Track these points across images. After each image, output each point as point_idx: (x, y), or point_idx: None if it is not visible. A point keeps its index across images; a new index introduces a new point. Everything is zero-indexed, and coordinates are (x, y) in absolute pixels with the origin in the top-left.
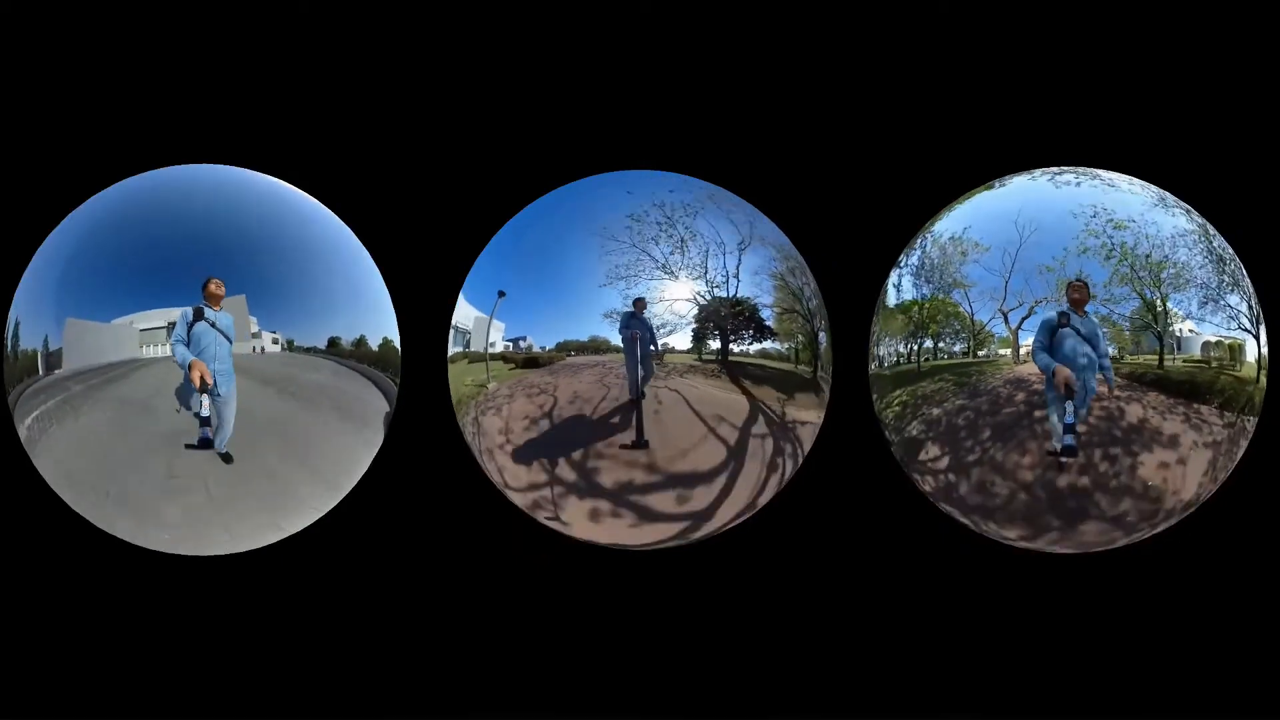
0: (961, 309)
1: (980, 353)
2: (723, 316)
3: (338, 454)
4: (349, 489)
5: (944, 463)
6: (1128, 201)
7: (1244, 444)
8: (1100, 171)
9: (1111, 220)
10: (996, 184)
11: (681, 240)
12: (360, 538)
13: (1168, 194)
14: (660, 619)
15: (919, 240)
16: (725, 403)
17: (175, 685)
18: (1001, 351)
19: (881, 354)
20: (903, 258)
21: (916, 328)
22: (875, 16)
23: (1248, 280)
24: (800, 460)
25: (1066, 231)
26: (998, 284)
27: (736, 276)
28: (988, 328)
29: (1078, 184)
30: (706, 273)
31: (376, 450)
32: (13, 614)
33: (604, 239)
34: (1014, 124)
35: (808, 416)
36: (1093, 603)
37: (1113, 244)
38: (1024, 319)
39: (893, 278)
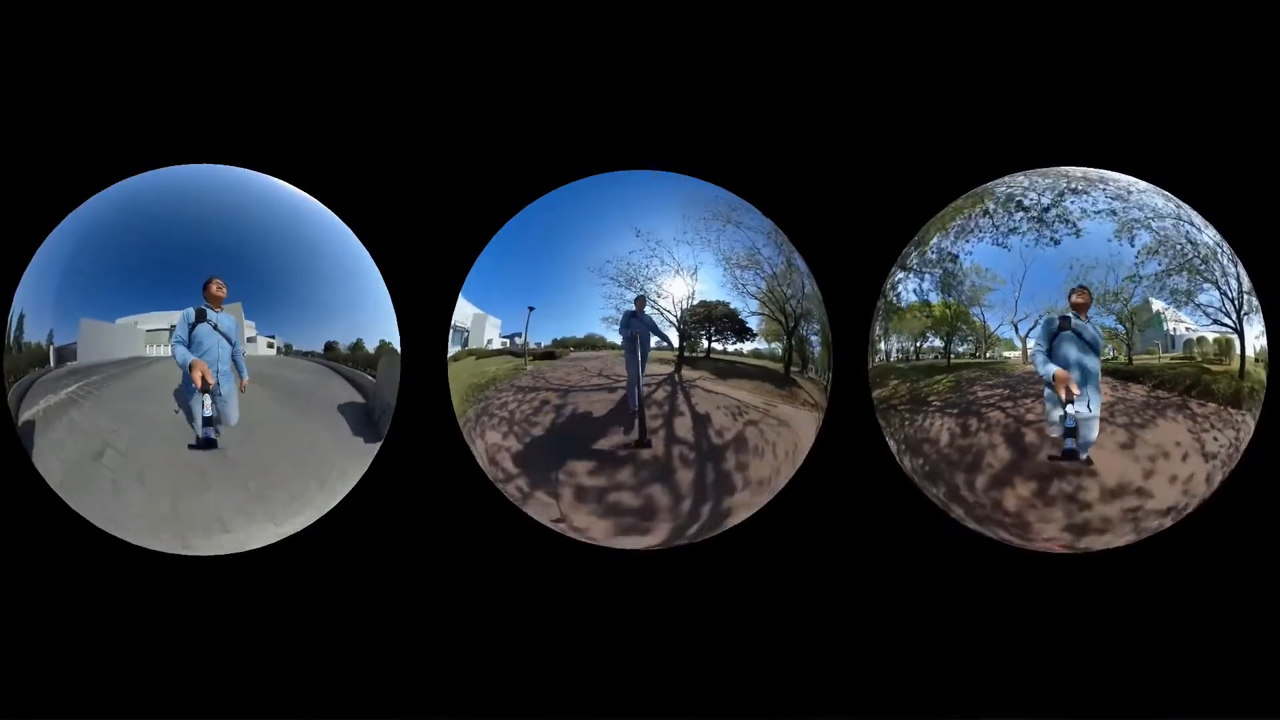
0: (975, 319)
1: (989, 354)
2: (687, 322)
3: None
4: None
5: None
6: (1096, 238)
7: (1183, 423)
8: (1077, 179)
9: (1082, 265)
10: (988, 211)
11: (643, 287)
12: (360, 538)
13: (1134, 190)
14: (660, 619)
15: (929, 255)
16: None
17: (174, 685)
18: (1006, 354)
19: (890, 348)
20: (918, 265)
21: (939, 326)
22: (875, 16)
23: (1231, 279)
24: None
25: (1052, 284)
26: (1008, 297)
27: (693, 298)
28: (996, 332)
29: (1058, 243)
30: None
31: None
32: (13, 614)
33: (595, 274)
34: (1014, 124)
35: (756, 400)
36: (1092, 603)
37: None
38: (1031, 329)
39: (910, 283)
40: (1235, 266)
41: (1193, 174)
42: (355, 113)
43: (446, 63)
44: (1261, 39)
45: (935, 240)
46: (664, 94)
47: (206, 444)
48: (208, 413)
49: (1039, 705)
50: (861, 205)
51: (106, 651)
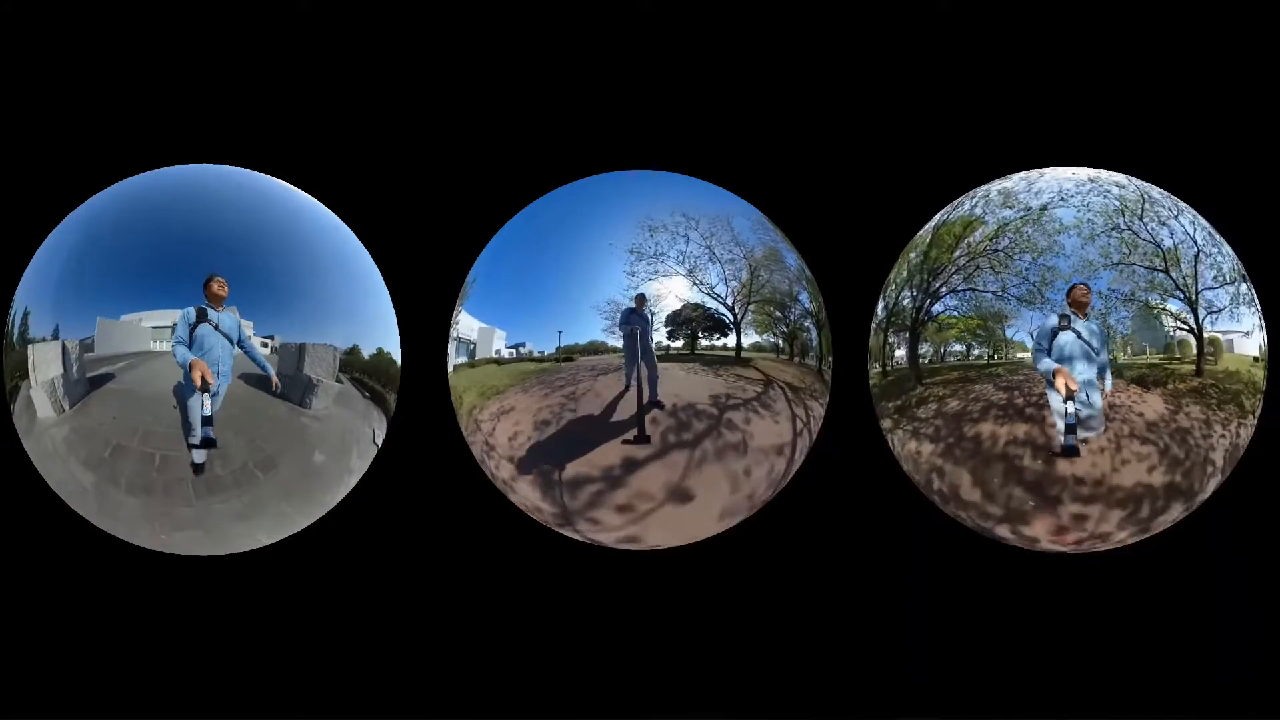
0: (998, 331)
1: (1005, 356)
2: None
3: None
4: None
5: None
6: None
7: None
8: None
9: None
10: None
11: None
12: (360, 538)
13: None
14: (660, 619)
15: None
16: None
17: (174, 685)
18: (1020, 355)
19: (923, 352)
20: (941, 288)
21: (966, 335)
22: (875, 16)
23: (1191, 279)
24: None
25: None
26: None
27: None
28: (1013, 338)
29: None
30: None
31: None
32: (13, 614)
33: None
34: (1014, 124)
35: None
36: (1092, 603)
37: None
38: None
39: (943, 303)
40: (1202, 262)
41: (1192, 173)
42: (355, 113)
43: (446, 63)
44: (1260, 38)
45: (958, 278)
46: (662, 94)
47: (206, 443)
48: (207, 412)
49: (1040, 705)
50: (861, 205)
51: (106, 651)
